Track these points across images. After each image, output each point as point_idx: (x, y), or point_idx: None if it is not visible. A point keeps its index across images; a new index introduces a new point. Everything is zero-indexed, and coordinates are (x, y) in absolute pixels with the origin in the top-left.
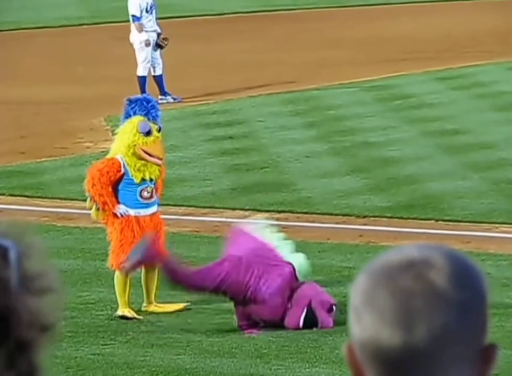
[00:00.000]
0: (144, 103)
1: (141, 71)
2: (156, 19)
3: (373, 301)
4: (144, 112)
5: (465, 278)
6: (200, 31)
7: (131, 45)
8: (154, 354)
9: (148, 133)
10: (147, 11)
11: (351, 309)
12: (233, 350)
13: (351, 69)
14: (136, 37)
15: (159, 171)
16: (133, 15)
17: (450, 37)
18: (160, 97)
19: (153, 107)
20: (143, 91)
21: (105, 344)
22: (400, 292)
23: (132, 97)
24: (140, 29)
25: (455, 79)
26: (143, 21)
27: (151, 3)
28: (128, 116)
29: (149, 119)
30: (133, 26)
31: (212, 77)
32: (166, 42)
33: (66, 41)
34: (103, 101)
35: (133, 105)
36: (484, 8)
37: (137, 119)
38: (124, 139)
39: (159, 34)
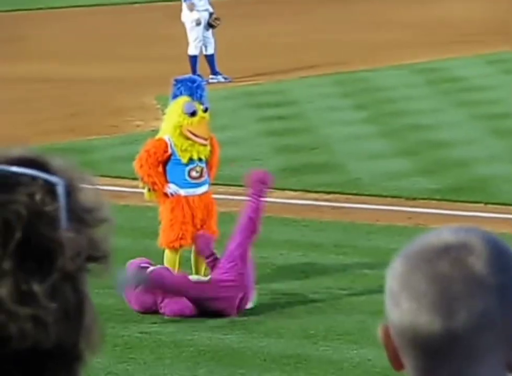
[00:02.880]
0: (190, 83)
1: (192, 50)
2: None
3: (411, 286)
4: (190, 92)
5: (503, 262)
6: (252, 11)
7: (182, 24)
8: (202, 334)
9: (193, 114)
10: None
11: (387, 294)
12: (281, 330)
13: (401, 51)
14: (187, 17)
15: (210, 150)
16: None
17: (502, 20)
18: (211, 76)
19: (198, 87)
20: (194, 70)
21: (153, 323)
22: (439, 278)
23: (179, 77)
24: (191, 8)
25: (506, 62)
26: (195, 0)
27: None
28: (175, 96)
29: (194, 99)
30: (184, 5)
31: (263, 57)
32: (218, 22)
33: (118, 20)
34: (153, 79)
35: (179, 86)
36: None
37: (182, 100)
38: (171, 120)
39: (211, 14)
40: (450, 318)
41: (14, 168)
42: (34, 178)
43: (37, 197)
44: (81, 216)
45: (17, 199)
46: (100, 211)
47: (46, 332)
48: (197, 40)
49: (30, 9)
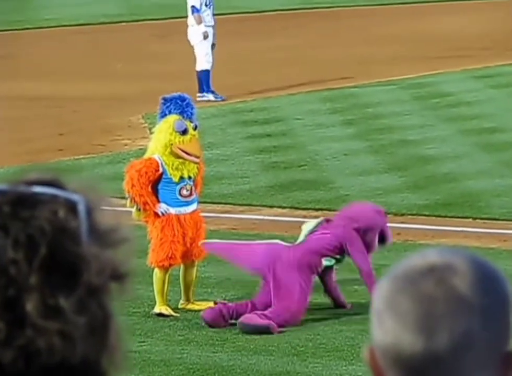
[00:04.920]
0: (179, 102)
1: (203, 65)
2: (214, 14)
3: (395, 306)
4: (180, 110)
5: (488, 283)
6: (239, 29)
7: (188, 42)
8: (191, 352)
9: (184, 132)
10: (206, 5)
11: (373, 314)
12: (270, 348)
13: (389, 67)
14: (195, 31)
15: (197, 168)
16: (193, 7)
17: (489, 36)
18: (198, 94)
19: (188, 105)
20: (207, 86)
21: (142, 342)
22: (423, 298)
23: (167, 95)
24: (200, 21)
25: (494, 77)
26: (202, 14)
27: None
28: (163, 115)
29: (184, 117)
30: (191, 20)
31: (251, 74)
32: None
33: (105, 38)
34: (141, 98)
35: (168, 104)
36: None
37: (172, 118)
38: (161, 139)
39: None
40: (432, 338)
41: (35, 188)
42: (55, 196)
43: (60, 213)
44: (101, 235)
45: (40, 215)
46: (119, 231)
47: (74, 348)
48: (207, 55)
49: (18, 29)
